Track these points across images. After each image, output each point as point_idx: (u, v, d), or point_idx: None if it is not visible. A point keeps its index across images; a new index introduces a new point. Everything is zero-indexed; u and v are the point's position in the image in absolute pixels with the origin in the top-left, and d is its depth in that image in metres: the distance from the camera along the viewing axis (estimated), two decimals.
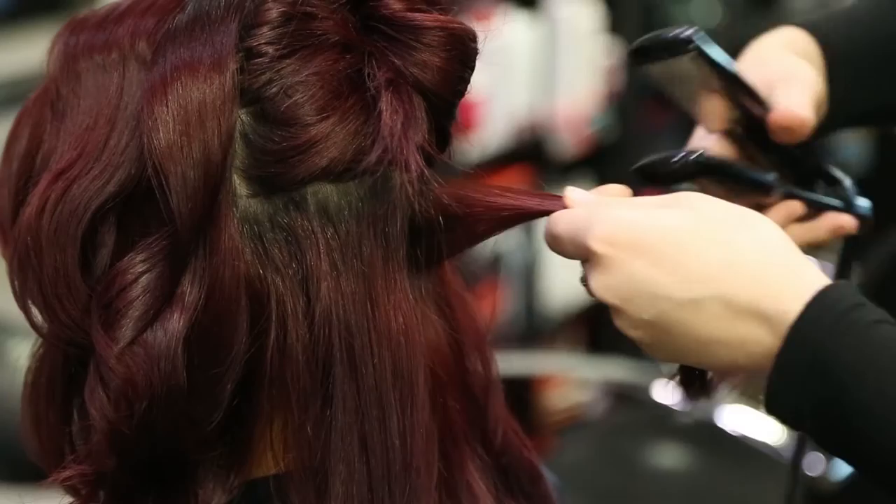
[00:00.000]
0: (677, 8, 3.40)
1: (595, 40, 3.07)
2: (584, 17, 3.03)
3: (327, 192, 0.80)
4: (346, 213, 0.80)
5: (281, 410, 0.82)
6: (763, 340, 0.78)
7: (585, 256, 0.82)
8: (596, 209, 0.83)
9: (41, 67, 0.87)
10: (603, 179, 3.19)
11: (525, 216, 0.86)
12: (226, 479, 0.83)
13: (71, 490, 0.84)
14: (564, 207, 0.85)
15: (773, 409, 0.79)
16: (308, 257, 0.80)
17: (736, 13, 3.53)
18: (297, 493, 0.82)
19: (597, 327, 3.16)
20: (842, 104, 1.04)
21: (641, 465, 2.19)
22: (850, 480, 2.07)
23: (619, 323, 0.82)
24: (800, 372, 0.77)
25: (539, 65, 2.94)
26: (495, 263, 2.82)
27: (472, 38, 0.84)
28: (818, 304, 0.77)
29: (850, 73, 1.04)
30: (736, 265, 0.78)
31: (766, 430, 2.20)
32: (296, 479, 0.82)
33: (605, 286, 0.81)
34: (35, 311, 0.84)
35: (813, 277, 0.79)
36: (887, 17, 1.08)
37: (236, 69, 0.78)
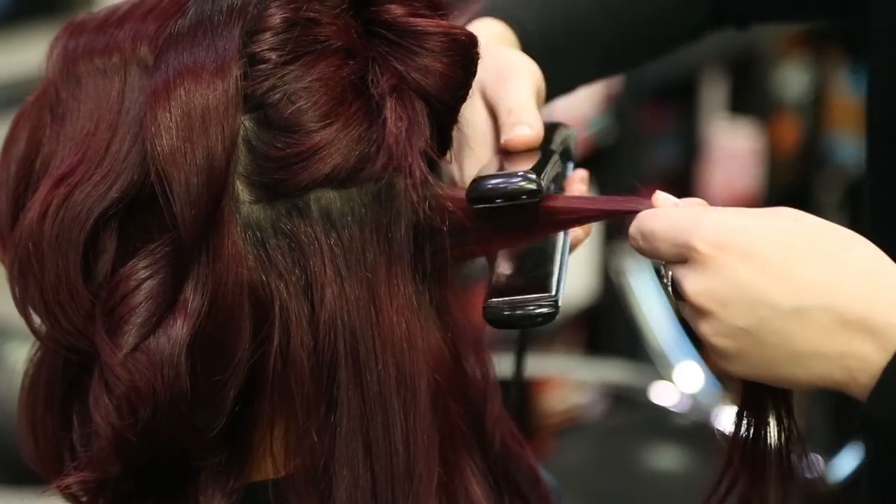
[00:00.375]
0: None
1: None
2: None
3: (330, 198, 0.80)
4: (349, 219, 0.80)
5: (282, 416, 0.82)
6: (867, 354, 0.77)
7: (684, 257, 0.80)
8: (701, 211, 0.81)
9: (39, 70, 0.87)
10: (601, 181, 3.19)
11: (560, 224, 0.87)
12: (225, 483, 0.83)
13: (70, 497, 0.84)
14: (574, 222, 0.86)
15: (870, 424, 0.78)
16: (311, 263, 0.80)
17: None
18: (298, 499, 0.82)
19: (595, 329, 3.16)
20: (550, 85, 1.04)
21: (639, 467, 2.19)
22: (847, 482, 2.07)
23: (706, 329, 0.80)
24: None
25: None
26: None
27: (474, 43, 0.84)
28: None
29: (545, 56, 1.04)
30: (845, 277, 0.77)
31: None
32: (298, 484, 0.82)
33: (704, 289, 0.79)
34: (35, 317, 0.84)
35: None
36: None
37: (239, 75, 0.78)
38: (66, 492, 0.83)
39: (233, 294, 0.78)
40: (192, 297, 0.78)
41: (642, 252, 0.83)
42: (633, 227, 0.84)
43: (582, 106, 3.06)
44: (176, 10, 0.82)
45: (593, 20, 1.12)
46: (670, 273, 0.81)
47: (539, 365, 2.91)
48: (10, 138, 0.86)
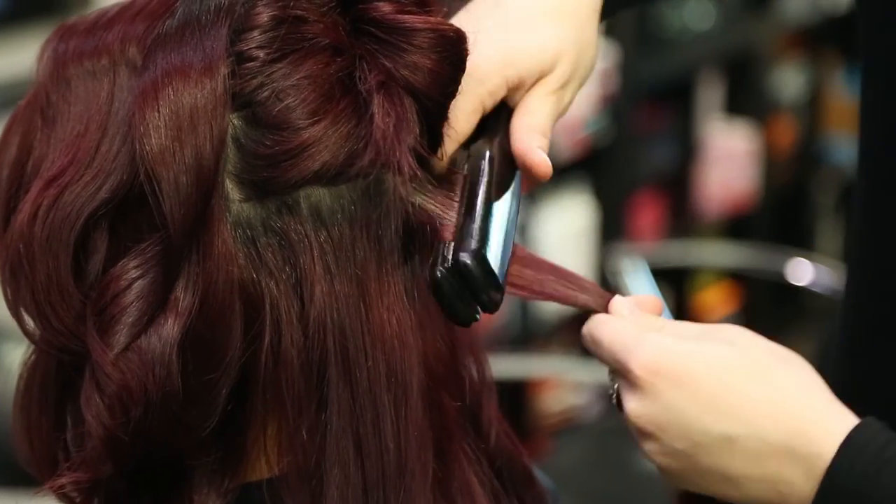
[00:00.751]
0: (671, 11, 3.40)
1: None
2: None
3: (320, 195, 0.80)
4: (339, 216, 0.80)
5: (275, 415, 0.82)
6: (795, 481, 0.79)
7: (623, 376, 0.83)
8: (642, 332, 0.84)
9: (33, 71, 0.87)
10: (597, 182, 3.19)
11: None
12: (220, 483, 0.83)
13: (64, 498, 0.84)
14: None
15: None
16: (302, 261, 0.80)
17: (730, 16, 3.53)
18: (292, 498, 0.82)
19: None
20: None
21: (635, 469, 2.19)
22: None
23: (648, 448, 0.83)
24: None
25: None
26: None
27: (463, 39, 0.84)
28: (851, 446, 0.78)
29: None
30: (772, 404, 0.80)
31: None
32: (290, 483, 0.82)
33: (643, 412, 0.82)
34: (27, 319, 0.84)
35: (844, 417, 0.80)
36: None
37: (227, 73, 0.78)
38: (59, 492, 0.83)
39: (223, 292, 0.78)
40: (183, 296, 0.78)
41: (593, 353, 0.87)
42: (585, 329, 0.88)
43: (579, 106, 3.06)
44: (164, 10, 0.82)
45: None
46: (616, 386, 0.85)
47: (536, 366, 2.91)
48: (2, 143, 0.86)
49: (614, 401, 0.85)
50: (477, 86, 0.91)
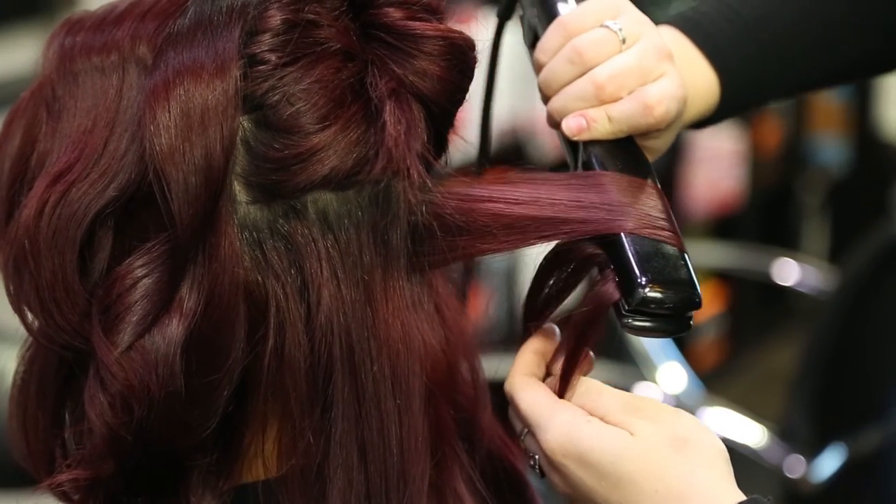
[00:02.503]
0: (658, 12, 3.41)
1: None
2: None
3: (327, 200, 0.80)
4: (346, 221, 0.80)
5: (276, 417, 0.82)
6: None
7: (539, 449, 0.85)
8: (555, 408, 0.85)
9: (24, 70, 0.86)
10: None
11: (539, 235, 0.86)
12: (216, 484, 0.83)
13: (62, 496, 0.84)
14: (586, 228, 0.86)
15: None
16: (308, 265, 0.80)
17: None
18: (290, 500, 0.82)
19: None
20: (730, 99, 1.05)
21: None
22: (829, 482, 2.08)
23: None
24: None
25: (520, 69, 2.94)
26: (475, 268, 2.82)
27: (471, 47, 0.84)
28: None
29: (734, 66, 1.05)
30: (662, 492, 0.81)
31: (746, 432, 2.21)
32: (290, 486, 0.82)
33: (558, 483, 0.85)
34: (28, 314, 0.84)
35: (730, 495, 0.81)
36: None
37: (239, 75, 0.78)
38: (57, 490, 0.83)
39: (228, 294, 0.78)
40: (188, 297, 0.78)
41: (511, 407, 0.88)
42: (506, 386, 0.88)
43: None
44: (175, 9, 0.82)
45: (785, 19, 1.09)
46: (535, 456, 0.86)
47: None
48: (4, 135, 0.86)
49: (536, 469, 0.87)
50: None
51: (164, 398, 0.78)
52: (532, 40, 0.98)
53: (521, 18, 1.00)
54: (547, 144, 3.02)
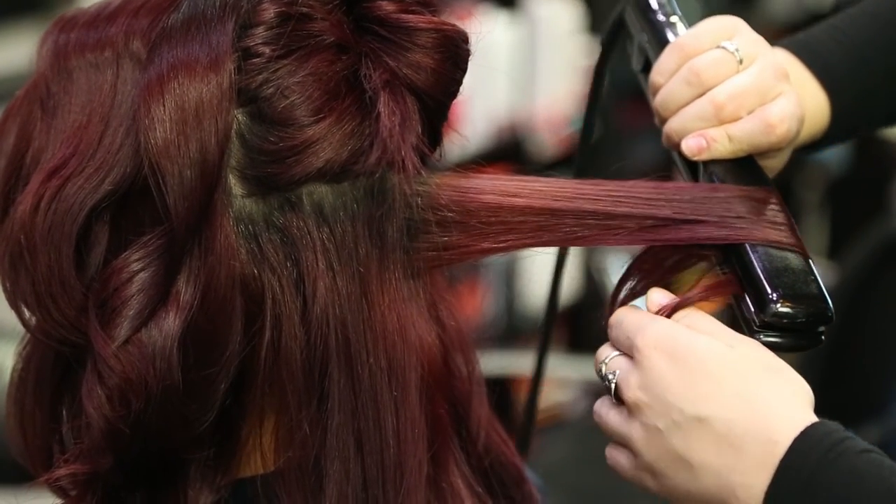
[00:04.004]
0: None
1: (574, 40, 3.07)
2: (563, 17, 3.04)
3: (323, 192, 0.80)
4: (341, 213, 0.80)
5: (273, 410, 0.83)
6: (749, 471, 0.80)
7: (630, 353, 0.85)
8: (655, 318, 0.86)
9: (20, 67, 0.86)
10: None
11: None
12: (213, 478, 0.83)
13: (59, 491, 0.84)
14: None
15: None
16: (303, 257, 0.80)
17: (714, 12, 3.53)
18: (287, 493, 0.82)
19: (577, 327, 3.17)
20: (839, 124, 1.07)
21: None
22: None
23: (636, 433, 0.84)
24: (790, 501, 0.79)
25: (518, 65, 2.94)
26: (475, 263, 2.82)
27: (465, 39, 0.84)
28: (806, 438, 0.80)
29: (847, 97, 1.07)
30: (746, 401, 0.81)
31: None
32: (287, 479, 0.82)
33: (635, 382, 0.84)
34: (25, 310, 0.84)
35: (808, 418, 0.81)
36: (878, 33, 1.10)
37: (233, 69, 0.78)
38: (55, 485, 0.83)
39: (225, 287, 0.79)
40: (185, 290, 0.79)
41: (610, 336, 0.88)
42: (615, 314, 0.88)
43: (563, 103, 3.06)
44: (168, 4, 0.82)
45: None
46: (616, 372, 0.85)
47: (521, 362, 2.91)
48: (0, 132, 0.86)
49: (613, 384, 0.86)
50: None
51: (162, 392, 0.79)
52: (643, 64, 1.00)
53: (630, 42, 1.01)
54: (546, 141, 3.02)
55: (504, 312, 2.99)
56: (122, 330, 0.79)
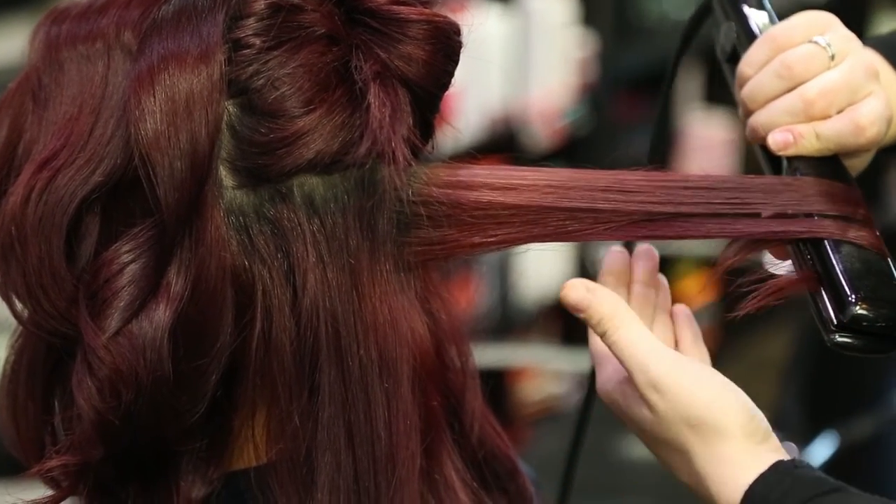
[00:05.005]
0: (650, 1, 3.40)
1: (568, 32, 3.07)
2: (557, 10, 3.04)
3: (313, 184, 0.80)
4: (332, 205, 0.80)
5: (264, 402, 0.83)
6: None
7: None
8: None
9: (16, 60, 0.86)
10: None
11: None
12: (206, 470, 0.83)
13: (51, 482, 0.84)
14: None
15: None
16: (294, 249, 0.80)
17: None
18: (280, 485, 0.82)
19: (571, 319, 3.16)
20: None
21: (616, 456, 2.20)
22: (822, 469, 2.08)
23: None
24: None
25: (512, 57, 2.94)
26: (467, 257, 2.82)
27: (457, 31, 0.84)
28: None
29: None
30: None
31: None
32: (279, 470, 0.82)
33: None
34: (17, 302, 0.84)
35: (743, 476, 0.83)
36: None
37: (223, 60, 0.78)
38: (47, 476, 0.83)
39: (215, 278, 0.79)
40: (175, 282, 0.79)
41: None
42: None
43: (557, 95, 3.06)
44: None
45: None
46: None
47: (515, 354, 2.91)
48: None
49: None
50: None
51: (152, 383, 0.79)
52: (730, 54, 0.98)
53: (715, 29, 1.00)
54: (539, 133, 3.02)
55: (498, 304, 2.99)
56: (113, 321, 0.79)
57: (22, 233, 0.81)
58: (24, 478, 0.85)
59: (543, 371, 3.14)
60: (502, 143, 2.95)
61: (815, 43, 0.93)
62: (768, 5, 0.98)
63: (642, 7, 3.40)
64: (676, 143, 3.53)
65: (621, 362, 0.87)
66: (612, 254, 0.93)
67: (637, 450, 2.21)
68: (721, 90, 3.67)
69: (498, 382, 3.01)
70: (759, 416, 0.85)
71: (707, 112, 3.63)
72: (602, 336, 0.88)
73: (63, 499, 0.84)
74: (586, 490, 2.14)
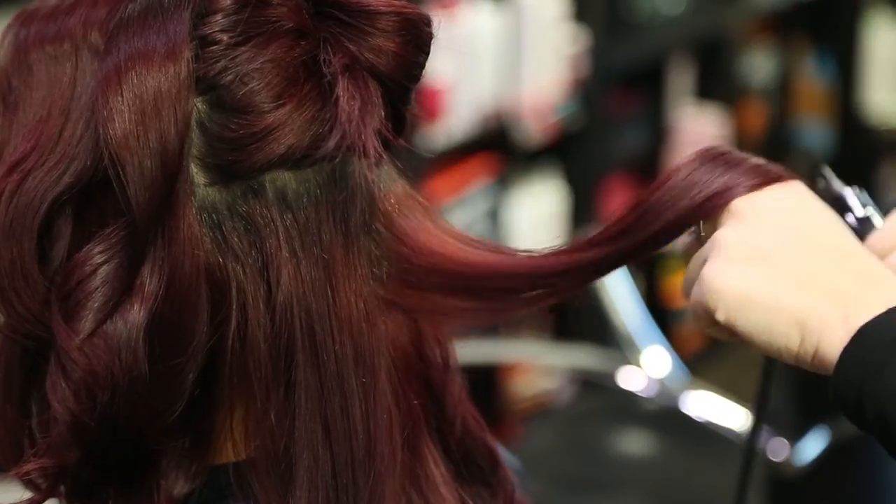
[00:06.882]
0: None
1: (560, 28, 3.07)
2: (549, 5, 3.04)
3: (285, 179, 0.80)
4: (304, 199, 0.80)
5: (242, 399, 0.83)
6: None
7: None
8: None
9: None
10: (568, 167, 3.19)
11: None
12: (187, 468, 0.83)
13: (30, 484, 0.84)
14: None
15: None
16: (268, 245, 0.80)
17: (700, 0, 3.54)
18: (259, 481, 0.82)
19: (562, 314, 3.17)
20: None
21: (607, 453, 2.20)
22: (813, 465, 2.08)
23: (729, 236, 0.85)
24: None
25: (504, 52, 2.94)
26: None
27: (427, 22, 0.84)
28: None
29: None
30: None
31: (730, 416, 2.21)
32: (259, 467, 0.82)
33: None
34: None
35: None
36: None
37: (191, 57, 0.78)
38: (25, 478, 0.83)
39: (189, 277, 0.78)
40: (149, 281, 0.78)
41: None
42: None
43: (549, 91, 3.06)
44: None
45: None
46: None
47: (507, 350, 2.91)
48: None
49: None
50: None
51: (128, 383, 0.79)
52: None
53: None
54: (531, 129, 3.02)
55: None
56: (87, 323, 0.79)
57: None
58: (5, 480, 0.85)
59: (535, 367, 3.14)
60: (494, 139, 2.95)
61: None
62: (872, 204, 0.96)
63: (634, 3, 3.40)
64: (669, 138, 3.53)
65: None
66: None
67: (629, 446, 2.21)
68: (713, 85, 3.67)
69: (490, 378, 3.01)
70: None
71: (699, 107, 3.63)
72: None
73: (42, 501, 0.84)
74: (580, 485, 2.14)
